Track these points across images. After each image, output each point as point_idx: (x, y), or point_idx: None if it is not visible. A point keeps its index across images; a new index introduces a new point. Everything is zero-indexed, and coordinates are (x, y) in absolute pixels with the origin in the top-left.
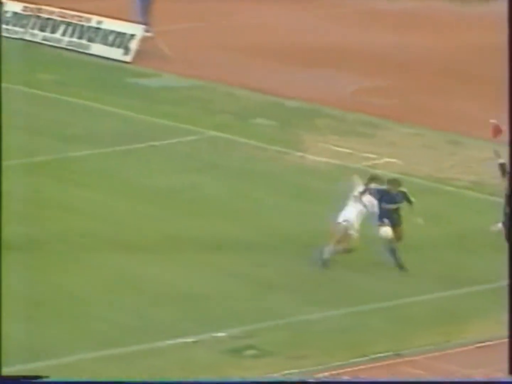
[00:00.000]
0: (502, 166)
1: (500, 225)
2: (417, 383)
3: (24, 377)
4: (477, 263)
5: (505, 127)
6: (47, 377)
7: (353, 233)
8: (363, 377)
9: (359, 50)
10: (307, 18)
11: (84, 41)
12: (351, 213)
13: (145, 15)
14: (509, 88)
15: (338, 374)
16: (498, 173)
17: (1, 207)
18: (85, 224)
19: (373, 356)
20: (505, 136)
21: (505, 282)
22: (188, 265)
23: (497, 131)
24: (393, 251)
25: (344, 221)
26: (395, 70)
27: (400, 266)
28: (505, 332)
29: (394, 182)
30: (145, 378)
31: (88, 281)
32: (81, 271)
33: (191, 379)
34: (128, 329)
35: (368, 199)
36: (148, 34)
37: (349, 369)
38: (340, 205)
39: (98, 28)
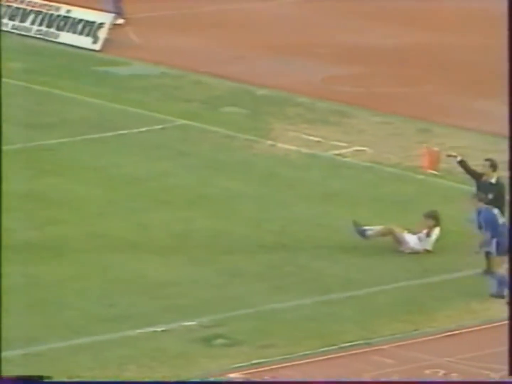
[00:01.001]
0: (461, 163)
1: (459, 158)
2: (416, 383)
3: (24, 377)
4: (446, 252)
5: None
6: (49, 377)
7: None
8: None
9: (328, 38)
10: (277, 6)
11: (53, 30)
12: None
13: (115, 4)
14: (509, 87)
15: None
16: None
17: None
18: (53, 213)
19: (342, 345)
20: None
21: (473, 271)
22: (157, 253)
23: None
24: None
25: None
26: (364, 58)
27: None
28: (473, 321)
29: None
30: (115, 367)
31: (57, 269)
32: (51, 259)
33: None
34: (97, 317)
35: None
36: (118, 22)
37: (318, 358)
38: None
39: (67, 17)
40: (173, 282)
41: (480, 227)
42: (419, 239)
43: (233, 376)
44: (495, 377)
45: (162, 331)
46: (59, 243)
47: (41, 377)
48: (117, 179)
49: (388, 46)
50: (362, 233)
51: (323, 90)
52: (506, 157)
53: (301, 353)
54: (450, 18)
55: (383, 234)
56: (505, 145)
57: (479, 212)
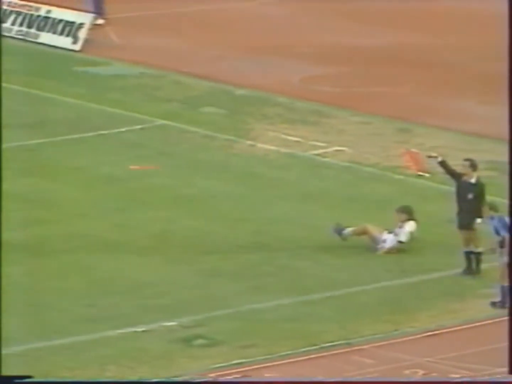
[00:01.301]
0: (442, 164)
1: (440, 159)
2: (415, 383)
3: (24, 377)
4: (425, 252)
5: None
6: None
7: None
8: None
9: (307, 38)
10: (257, 6)
11: (33, 30)
12: None
13: (95, 4)
14: (509, 88)
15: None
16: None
17: None
18: (33, 213)
19: (323, 345)
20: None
21: (453, 271)
22: (136, 253)
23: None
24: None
25: None
26: (343, 58)
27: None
28: (453, 320)
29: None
30: (95, 367)
31: (37, 269)
32: (30, 259)
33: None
34: (77, 318)
35: None
36: (98, 23)
37: (299, 358)
38: None
39: (47, 17)
40: (153, 282)
41: (497, 233)
42: (394, 234)
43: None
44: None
45: (143, 331)
46: (39, 243)
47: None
48: (97, 179)
49: (368, 46)
50: (339, 233)
51: (303, 90)
52: (485, 156)
53: (282, 353)
54: (429, 18)
55: (358, 233)
56: (484, 145)
57: (492, 218)
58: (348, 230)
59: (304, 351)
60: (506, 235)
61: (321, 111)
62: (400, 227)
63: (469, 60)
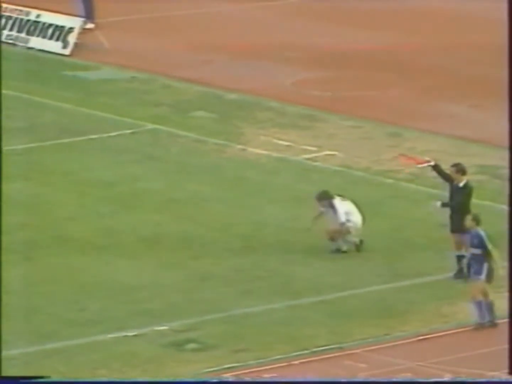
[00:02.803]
0: (435, 168)
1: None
2: (414, 383)
3: (24, 377)
4: (416, 256)
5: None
6: (48, 377)
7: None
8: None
9: (298, 42)
10: (247, 10)
11: (23, 35)
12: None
13: (85, 8)
14: (509, 90)
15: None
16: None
17: None
18: (23, 218)
19: (314, 349)
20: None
21: (444, 275)
22: (127, 257)
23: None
24: None
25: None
26: (334, 62)
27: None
28: (444, 324)
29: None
30: (87, 371)
31: (26, 273)
32: (19, 263)
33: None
34: (68, 322)
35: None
36: (88, 27)
37: (290, 363)
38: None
39: (37, 22)
40: (143, 286)
41: (472, 246)
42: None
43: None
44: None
45: (134, 335)
46: (29, 247)
47: (39, 377)
48: (86, 183)
49: (358, 50)
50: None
51: (294, 94)
52: (476, 161)
53: (274, 358)
54: (420, 22)
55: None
56: (474, 149)
57: (468, 232)
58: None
59: (295, 355)
60: (478, 251)
61: (312, 116)
62: (328, 212)
63: (459, 64)
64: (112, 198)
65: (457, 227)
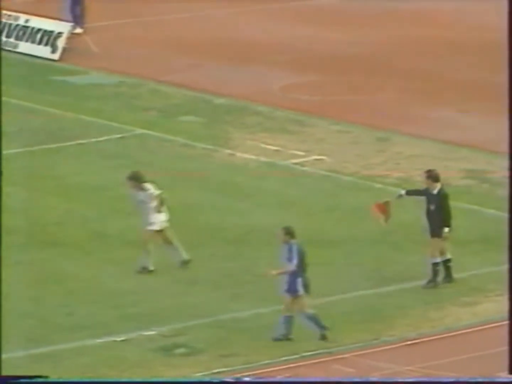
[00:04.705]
0: (408, 193)
1: (403, 192)
2: (413, 383)
3: (24, 377)
4: (404, 260)
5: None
6: (46, 377)
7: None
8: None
9: (286, 46)
10: (235, 14)
11: (12, 40)
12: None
13: (74, 13)
14: (509, 92)
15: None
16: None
17: None
18: (12, 222)
19: (303, 354)
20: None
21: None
22: (115, 262)
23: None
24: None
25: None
26: (322, 66)
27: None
28: (431, 329)
29: None
30: (75, 377)
31: (15, 278)
32: (8, 267)
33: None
34: (56, 327)
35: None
36: (76, 32)
37: (279, 367)
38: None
39: (25, 26)
40: (131, 291)
41: (289, 260)
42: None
43: None
44: None
45: (122, 340)
46: (16, 251)
47: (38, 376)
48: (74, 188)
49: (347, 54)
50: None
51: (282, 99)
52: (464, 165)
53: (262, 362)
54: (408, 26)
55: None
56: (463, 153)
57: (286, 243)
58: None
59: (284, 360)
60: (291, 264)
61: (300, 120)
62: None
63: (447, 68)
64: (100, 203)
65: (435, 233)
